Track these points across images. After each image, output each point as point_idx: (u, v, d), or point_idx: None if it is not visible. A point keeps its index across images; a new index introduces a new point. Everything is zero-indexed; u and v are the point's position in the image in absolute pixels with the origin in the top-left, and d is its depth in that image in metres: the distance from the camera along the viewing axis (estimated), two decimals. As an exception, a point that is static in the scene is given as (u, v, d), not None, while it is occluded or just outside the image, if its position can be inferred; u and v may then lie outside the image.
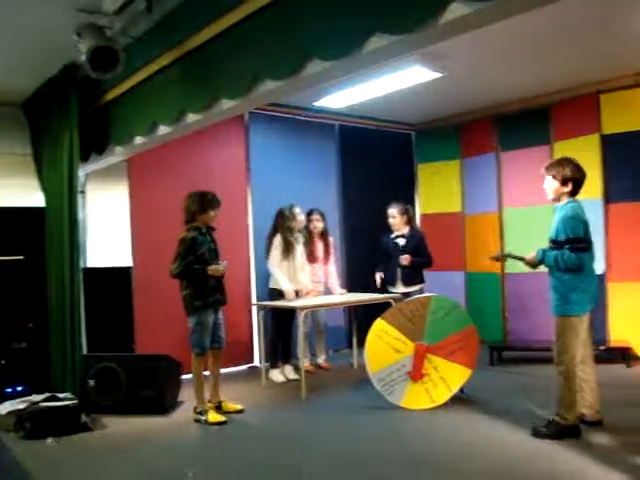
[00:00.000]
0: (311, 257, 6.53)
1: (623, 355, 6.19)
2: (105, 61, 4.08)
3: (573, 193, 4.19)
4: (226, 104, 4.03)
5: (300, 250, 6.22)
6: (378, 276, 6.31)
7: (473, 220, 7.95)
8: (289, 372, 6.28)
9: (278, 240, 6.08)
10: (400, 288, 6.26)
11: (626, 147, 6.53)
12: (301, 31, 3.30)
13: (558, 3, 2.59)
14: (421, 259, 6.32)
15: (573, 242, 4.03)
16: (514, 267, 7.10)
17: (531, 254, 4.28)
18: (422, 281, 6.42)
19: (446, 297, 5.34)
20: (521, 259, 4.31)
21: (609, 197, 6.61)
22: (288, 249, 6.06)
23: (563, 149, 6.71)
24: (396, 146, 8.40)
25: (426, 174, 8.42)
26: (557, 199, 4.26)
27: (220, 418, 4.86)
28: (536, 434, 4.18)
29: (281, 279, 6.04)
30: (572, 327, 4.12)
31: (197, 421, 4.91)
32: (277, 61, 3.51)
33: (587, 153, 6.48)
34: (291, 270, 6.14)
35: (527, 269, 6.61)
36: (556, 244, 4.12)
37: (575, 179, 4.16)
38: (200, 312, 4.86)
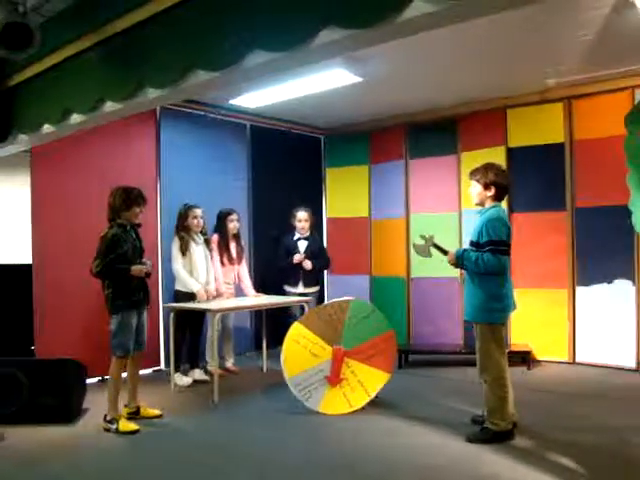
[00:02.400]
0: (229, 258, 6.26)
1: (523, 358, 6.28)
2: (17, 39, 3.61)
3: (497, 198, 4.18)
4: (152, 93, 3.67)
5: (201, 252, 5.90)
6: (297, 257, 6.33)
7: (380, 225, 7.90)
8: (196, 375, 5.94)
9: (175, 241, 5.82)
10: (300, 288, 6.38)
11: (530, 160, 6.71)
12: (243, 19, 3.01)
13: (471, 21, 2.54)
14: (321, 262, 6.52)
15: (495, 244, 3.98)
16: (419, 270, 7.39)
17: (451, 251, 4.22)
18: (319, 283, 6.62)
19: (365, 301, 5.27)
20: (445, 252, 4.22)
21: (513, 207, 6.72)
22: (185, 249, 5.76)
23: (470, 159, 6.83)
24: (305, 149, 8.25)
25: (334, 178, 8.31)
26: (481, 203, 4.21)
27: (131, 427, 4.49)
28: (470, 441, 4.09)
29: (189, 280, 5.74)
30: (495, 334, 4.08)
31: (107, 430, 4.51)
32: (214, 51, 3.21)
33: (493, 164, 6.54)
34: (190, 272, 5.82)
35: (432, 273, 7.08)
36: (477, 247, 4.06)
37: (498, 184, 4.14)
38: (123, 312, 4.52)
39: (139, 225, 4.77)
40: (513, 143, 6.84)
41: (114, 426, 4.47)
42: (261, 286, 6.65)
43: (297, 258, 6.35)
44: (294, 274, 6.43)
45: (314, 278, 6.58)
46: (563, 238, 6.54)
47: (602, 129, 6.28)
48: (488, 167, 4.19)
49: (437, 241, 4.34)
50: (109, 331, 4.57)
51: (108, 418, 4.54)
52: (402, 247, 7.64)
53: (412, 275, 7.56)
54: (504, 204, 5.93)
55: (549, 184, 6.63)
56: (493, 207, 4.14)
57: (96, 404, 4.95)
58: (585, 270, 6.41)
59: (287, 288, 6.45)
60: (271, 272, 6.74)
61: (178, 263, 5.76)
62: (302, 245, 6.51)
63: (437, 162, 7.40)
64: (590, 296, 6.38)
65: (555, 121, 6.59)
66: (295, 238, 6.52)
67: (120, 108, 3.92)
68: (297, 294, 6.32)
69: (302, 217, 6.47)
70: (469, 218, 6.87)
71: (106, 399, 4.59)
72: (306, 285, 6.45)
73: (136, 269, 4.54)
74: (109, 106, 3.94)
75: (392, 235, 7.76)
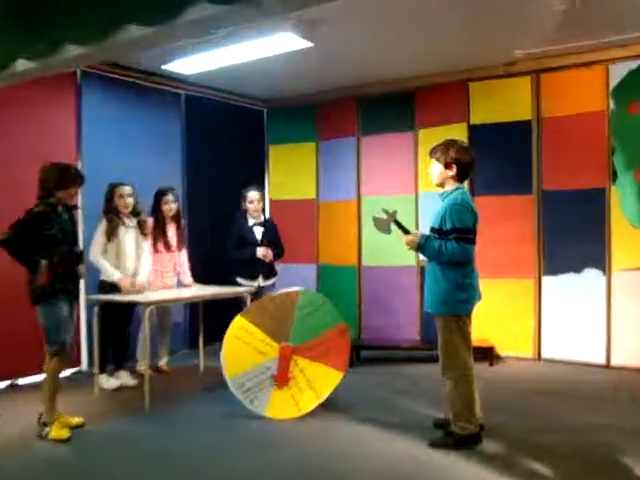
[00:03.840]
0: (165, 245, 6.03)
1: (485, 354, 6.30)
2: None
3: (460, 178, 4.14)
4: (73, 51, 3.46)
5: (131, 237, 5.67)
6: (261, 251, 6.12)
7: (328, 208, 7.85)
8: (124, 377, 5.72)
9: (102, 224, 5.57)
10: (260, 281, 6.19)
11: (493, 139, 6.70)
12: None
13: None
14: (279, 251, 6.36)
15: (460, 232, 3.94)
16: (371, 258, 7.40)
17: (413, 233, 4.15)
18: (276, 273, 6.42)
19: (314, 292, 5.24)
20: (407, 232, 4.14)
21: (474, 189, 6.68)
22: (111, 234, 5.53)
23: (428, 137, 6.82)
24: (246, 123, 8.10)
25: (278, 156, 8.19)
26: (441, 184, 4.17)
27: (63, 434, 4.33)
28: (434, 446, 4.05)
29: (109, 268, 5.50)
30: (460, 327, 4.04)
31: (39, 436, 4.35)
32: (148, 1, 3.02)
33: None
34: (116, 259, 5.60)
35: (386, 261, 7.14)
36: (440, 234, 4.02)
37: (461, 162, 4.10)
38: (49, 300, 4.31)
39: (75, 207, 4.63)
40: (475, 120, 6.85)
41: (46, 429, 4.32)
42: (200, 276, 6.40)
43: (262, 252, 6.12)
44: (252, 266, 6.18)
45: (272, 268, 6.37)
46: (529, 224, 6.58)
47: (572, 106, 6.32)
48: (449, 144, 4.16)
49: (399, 219, 4.25)
50: (40, 325, 4.36)
51: (43, 420, 4.38)
52: (353, 233, 7.61)
53: (364, 263, 7.55)
54: (465, 185, 6.07)
55: (514, 165, 6.65)
56: (456, 189, 4.09)
57: (8, 409, 4.71)
58: (552, 259, 6.46)
59: (242, 281, 6.18)
60: (211, 260, 6.51)
61: (96, 249, 5.51)
62: (258, 232, 6.27)
63: (392, 139, 7.38)
64: (557, 286, 6.44)
65: (522, 96, 6.60)
66: (250, 224, 6.26)
67: (34, 68, 3.71)
68: (255, 288, 6.08)
69: (254, 197, 6.24)
70: (427, 201, 6.93)
71: (30, 403, 4.47)
72: (266, 277, 6.26)
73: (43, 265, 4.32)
74: (21, 65, 3.72)
75: (342, 219, 7.71)
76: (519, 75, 6.57)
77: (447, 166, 4.10)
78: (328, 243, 7.83)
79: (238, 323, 4.81)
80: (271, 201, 8.14)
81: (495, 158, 6.66)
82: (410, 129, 7.26)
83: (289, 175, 8.08)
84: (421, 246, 4.07)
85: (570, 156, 6.31)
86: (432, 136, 6.52)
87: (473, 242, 4.03)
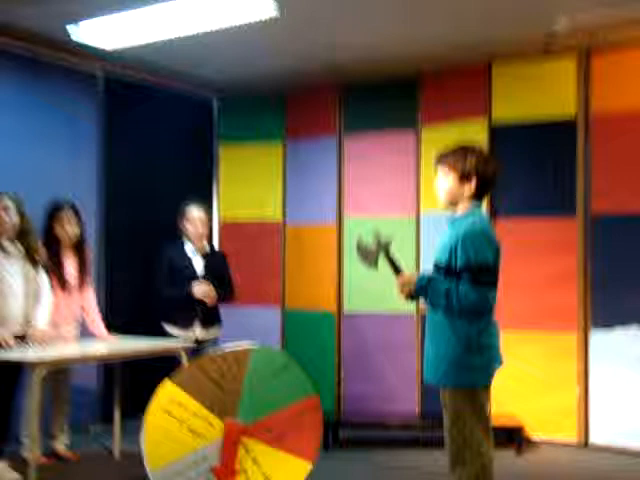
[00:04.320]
0: (60, 282, 5.70)
1: (510, 437, 6.13)
2: None
3: (478, 197, 3.95)
4: None
5: (15, 268, 5.36)
6: (200, 288, 5.95)
7: (298, 234, 7.73)
8: (4, 471, 5.34)
9: None
10: (197, 331, 6.02)
11: (521, 142, 6.70)
12: None
13: None
14: (226, 291, 6.19)
15: (477, 271, 3.74)
16: (356, 303, 7.32)
17: (409, 274, 3.99)
18: (221, 321, 6.36)
19: (275, 349, 5.22)
20: (398, 271, 3.98)
21: (496, 209, 6.58)
22: None
23: (435, 137, 6.84)
24: (189, 115, 7.99)
25: (232, 161, 8.08)
26: (453, 204, 3.98)
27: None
28: None
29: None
30: (475, 403, 3.81)
31: None
32: None
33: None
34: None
35: (375, 306, 7.19)
36: (448, 273, 3.83)
37: (482, 175, 3.91)
38: None
39: None
40: (499, 116, 6.81)
41: None
42: (119, 325, 6.19)
43: (201, 291, 5.93)
44: (187, 310, 6.01)
45: (216, 315, 6.19)
46: (571, 258, 6.46)
47: (635, 98, 6.19)
48: (468, 150, 3.99)
49: (393, 251, 4.04)
50: None
51: None
52: (331, 267, 7.52)
53: (345, 309, 7.41)
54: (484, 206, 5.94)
55: (551, 178, 6.58)
56: (472, 213, 3.93)
57: None
58: (604, 306, 6.31)
59: (173, 331, 6.04)
60: (136, 302, 6.46)
61: None
62: (199, 263, 6.11)
63: (386, 140, 7.32)
64: (611, 344, 6.28)
65: (563, 85, 6.54)
66: (188, 251, 6.11)
67: None
68: (191, 341, 5.88)
69: (197, 217, 6.09)
70: (432, 226, 6.78)
71: None
72: (206, 326, 6.08)
73: None
74: None
75: (317, 249, 7.61)
76: (561, 55, 6.49)
77: (463, 179, 3.91)
78: (297, 281, 7.70)
79: (167, 392, 4.53)
80: (222, 223, 7.99)
81: (524, 168, 6.65)
82: (410, 126, 7.22)
83: (246, 187, 7.95)
84: (421, 289, 3.87)
85: (630, 167, 6.20)
86: (440, 136, 6.60)
87: (494, 285, 3.82)
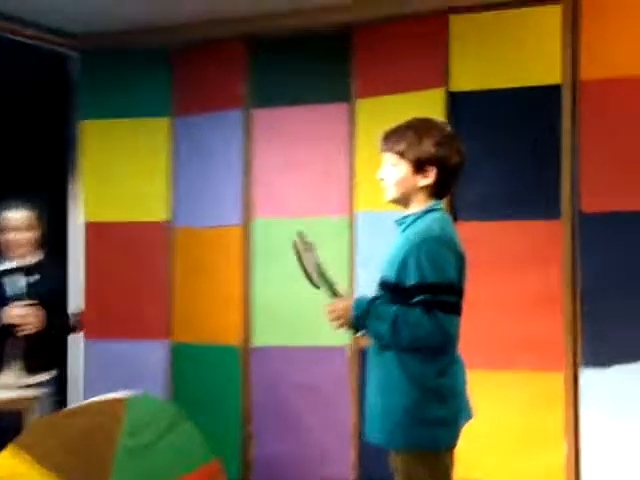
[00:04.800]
0: None
1: None
2: None
3: (438, 192, 3.66)
4: None
5: None
6: (12, 313, 5.30)
7: (191, 240, 6.75)
8: None
9: None
10: (17, 377, 5.44)
11: (490, 119, 5.86)
12: None
13: None
14: (57, 320, 5.60)
15: (434, 292, 3.42)
16: (269, 332, 6.57)
17: (344, 298, 3.74)
18: (57, 363, 5.87)
19: (158, 399, 5.12)
20: (333, 291, 3.69)
21: (457, 210, 5.76)
22: None
23: (376, 111, 5.98)
24: (34, 78, 6.93)
25: (98, 143, 6.98)
26: (404, 201, 3.68)
27: None
28: None
29: None
30: (435, 471, 3.53)
31: None
32: None
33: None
34: None
35: (295, 338, 6.44)
36: (396, 293, 3.52)
37: (444, 163, 3.60)
38: None
39: None
40: (460, 84, 5.93)
41: None
42: None
43: (15, 314, 5.30)
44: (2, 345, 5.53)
45: (45, 354, 5.57)
46: (555, 271, 5.62)
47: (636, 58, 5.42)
48: (424, 128, 3.67)
49: (321, 262, 3.76)
50: None
51: None
52: (235, 284, 6.51)
53: (255, 342, 6.45)
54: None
55: (528, 167, 5.78)
56: (430, 212, 3.62)
57: None
58: (598, 336, 5.52)
59: None
60: None
61: None
62: (17, 283, 5.50)
63: (310, 115, 6.42)
64: (607, 387, 5.51)
65: (545, 42, 5.68)
66: (6, 268, 5.57)
67: None
68: (10, 387, 5.31)
69: (16, 222, 5.57)
70: (372, 229, 6.05)
71: None
72: (31, 369, 5.41)
73: None
74: None
75: (216, 261, 6.64)
76: (541, 1, 5.69)
77: (418, 169, 3.59)
78: (190, 303, 6.74)
79: (8, 461, 4.03)
80: (88, 224, 7.02)
81: (494, 154, 5.80)
82: (341, 98, 6.28)
83: (119, 176, 6.98)
84: (359, 317, 3.56)
85: (632, 152, 5.44)
86: (382, 111, 5.83)
87: (458, 311, 3.54)
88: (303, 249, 3.76)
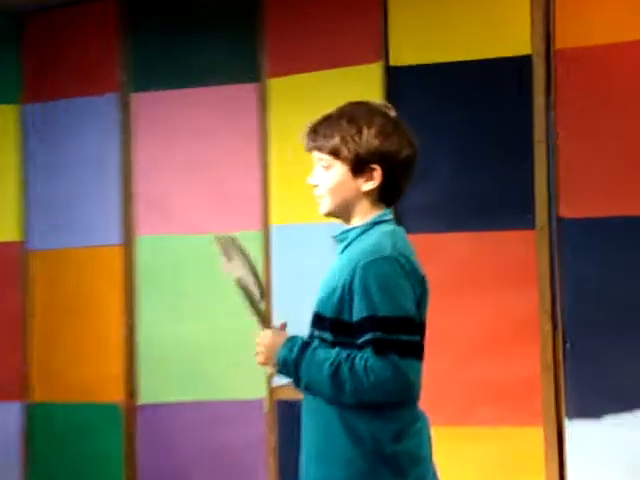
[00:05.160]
0: None
1: None
2: None
3: (387, 197, 2.89)
4: None
5: None
6: None
7: (53, 266, 5.92)
8: None
9: None
10: None
11: (441, 101, 5.10)
12: None
13: None
14: None
15: (388, 328, 2.69)
16: (159, 385, 5.61)
17: (276, 333, 2.95)
18: None
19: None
20: (262, 320, 2.94)
21: (402, 219, 4.47)
22: None
23: (291, 94, 5.21)
24: None
25: None
26: (342, 212, 2.91)
27: None
28: None
29: None
30: None
31: None
32: None
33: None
34: None
35: (192, 390, 5.54)
36: (337, 332, 2.78)
37: (391, 156, 2.82)
38: None
39: None
40: (403, 56, 5.10)
41: None
42: None
43: None
44: None
45: None
46: (530, 293, 4.92)
47: (620, 21, 4.83)
48: (361, 112, 2.91)
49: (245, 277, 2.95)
50: None
51: None
52: (115, 323, 5.60)
53: (141, 398, 5.57)
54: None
55: (493, 160, 5.01)
56: (377, 223, 2.87)
57: None
58: (585, 379, 4.90)
59: None
60: None
61: None
62: None
63: (206, 101, 5.56)
64: (597, 443, 4.87)
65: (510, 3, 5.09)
66: None
67: None
68: None
69: None
70: (293, 245, 5.25)
71: None
72: None
73: None
74: None
75: (87, 293, 5.80)
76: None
77: (358, 168, 2.83)
78: (53, 350, 5.91)
79: None
80: None
81: (448, 146, 5.00)
82: (250, 78, 5.43)
83: None
84: (287, 362, 2.85)
85: (625, 141, 4.76)
86: (301, 94, 5.08)
87: (419, 353, 2.79)
88: (229, 239, 2.97)
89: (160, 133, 5.66)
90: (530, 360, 4.93)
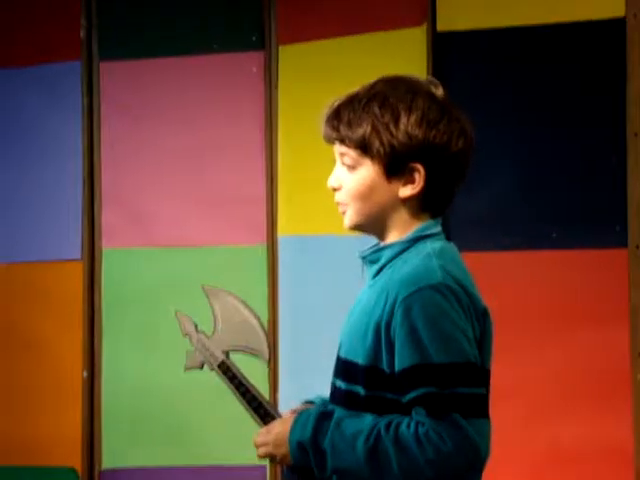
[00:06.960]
0: None
1: None
2: None
3: (433, 205, 2.09)
4: None
5: None
6: None
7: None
8: None
9: None
10: None
11: (506, 76, 4.34)
12: None
13: None
14: None
15: (445, 380, 2.03)
16: (125, 448, 4.74)
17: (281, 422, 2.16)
18: None
19: None
20: (252, 399, 2.18)
21: (450, 234, 4.10)
22: None
23: (305, 64, 4.46)
24: None
25: None
26: (376, 226, 2.11)
27: None
28: None
29: None
30: None
31: None
32: None
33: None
34: None
35: (171, 455, 4.81)
36: (370, 386, 2.04)
37: (439, 151, 2.00)
38: None
39: None
40: (452, 19, 4.37)
41: None
42: None
43: None
44: None
45: None
46: (620, 332, 4.04)
47: None
48: (398, 92, 2.05)
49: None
50: None
51: None
52: (73, 364, 4.72)
53: (104, 462, 4.73)
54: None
55: (568, 157, 4.23)
56: (421, 239, 2.12)
57: None
58: None
59: None
60: None
61: None
62: None
63: (196, 73, 4.70)
64: None
65: None
66: None
67: None
68: None
69: None
70: (305, 264, 4.47)
71: None
72: None
73: None
74: None
75: (38, 322, 4.88)
76: None
77: (395, 168, 2.06)
78: None
79: None
80: None
81: (509, 137, 4.29)
82: (254, 44, 4.63)
83: None
84: (307, 445, 1.98)
85: None
86: (320, 65, 4.31)
87: (486, 410, 2.04)
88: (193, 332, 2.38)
89: (133, 114, 4.77)
90: (620, 418, 4.01)
